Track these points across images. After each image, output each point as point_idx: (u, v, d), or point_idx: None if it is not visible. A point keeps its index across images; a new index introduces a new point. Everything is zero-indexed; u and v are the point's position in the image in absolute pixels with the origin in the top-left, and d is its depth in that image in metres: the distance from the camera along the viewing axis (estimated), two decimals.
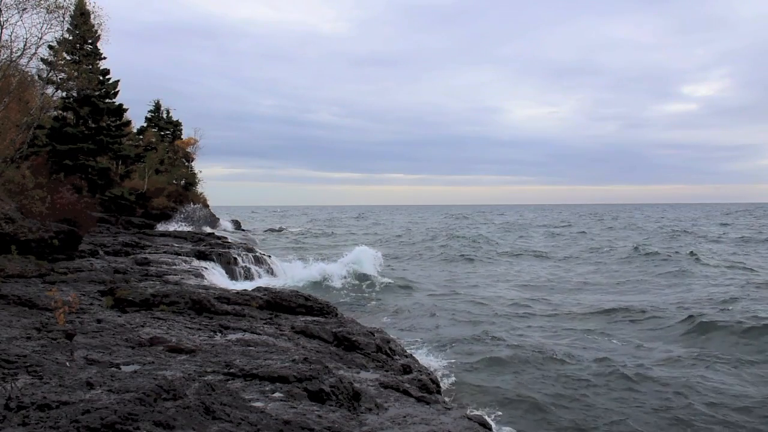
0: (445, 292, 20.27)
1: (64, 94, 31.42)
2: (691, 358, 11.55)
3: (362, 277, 22.15)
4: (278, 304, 10.46)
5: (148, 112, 49.54)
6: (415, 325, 14.68)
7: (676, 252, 31.69)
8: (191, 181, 50.97)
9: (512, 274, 25.77)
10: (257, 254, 25.23)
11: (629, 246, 36.24)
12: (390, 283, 21.47)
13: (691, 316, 14.54)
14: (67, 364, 5.27)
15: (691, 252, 31.03)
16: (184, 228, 36.62)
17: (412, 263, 30.54)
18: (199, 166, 57.75)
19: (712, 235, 48.02)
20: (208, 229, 38.97)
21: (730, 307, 15.79)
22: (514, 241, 46.31)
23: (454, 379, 9.93)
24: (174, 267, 16.31)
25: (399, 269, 27.21)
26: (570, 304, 17.80)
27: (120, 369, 5.50)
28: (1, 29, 16.13)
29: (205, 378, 5.15)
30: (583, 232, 55.20)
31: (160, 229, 34.12)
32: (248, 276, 21.52)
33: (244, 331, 8.26)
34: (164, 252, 19.64)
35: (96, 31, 28.92)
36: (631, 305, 16.76)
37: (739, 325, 13.48)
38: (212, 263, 20.08)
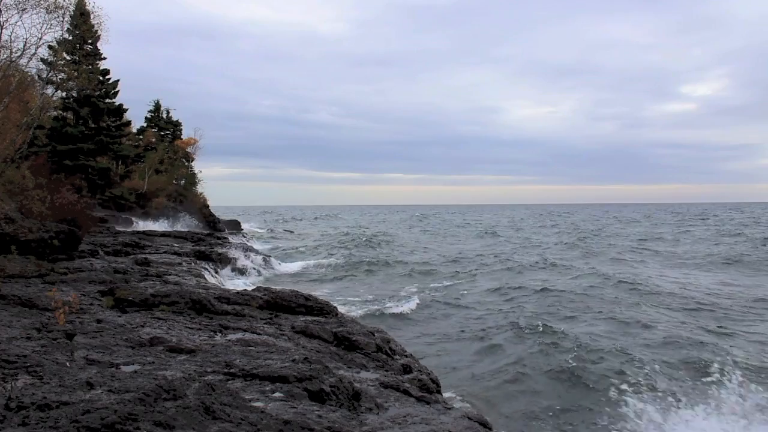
0: None
1: (64, 94, 31.43)
2: None
3: None
4: (278, 303, 10.45)
5: (148, 112, 49.54)
6: None
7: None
8: (191, 181, 50.93)
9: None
10: (258, 254, 25.24)
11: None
12: None
13: None
14: (67, 364, 5.27)
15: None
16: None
17: None
18: (199, 166, 57.73)
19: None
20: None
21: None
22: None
23: None
24: (174, 267, 16.31)
25: None
26: None
27: (120, 369, 5.50)
28: (1, 29, 16.13)
29: (205, 378, 5.14)
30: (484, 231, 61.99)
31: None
32: (248, 275, 21.53)
33: (244, 331, 8.25)
34: (164, 252, 19.64)
35: (96, 31, 28.89)
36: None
37: None
38: (212, 263, 20.10)
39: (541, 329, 13.08)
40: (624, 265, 27.16)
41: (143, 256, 17.58)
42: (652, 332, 12.96)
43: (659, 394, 7.97)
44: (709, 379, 9.02)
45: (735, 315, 15.27)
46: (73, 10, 24.40)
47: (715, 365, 9.70)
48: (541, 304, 16.83)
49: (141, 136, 47.12)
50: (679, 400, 7.79)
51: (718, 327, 13.63)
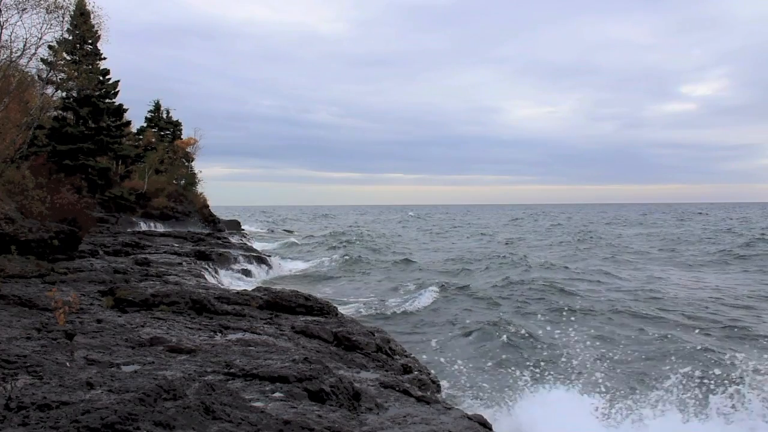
0: None
1: (64, 94, 31.41)
2: None
3: None
4: (278, 304, 10.46)
5: (148, 112, 49.50)
6: None
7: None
8: (191, 181, 50.89)
9: None
10: (258, 254, 25.24)
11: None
12: None
13: None
14: (67, 364, 5.27)
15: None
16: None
17: None
18: (199, 166, 57.74)
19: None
20: None
21: None
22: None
23: None
24: (174, 267, 16.31)
25: None
26: None
27: (120, 369, 5.50)
28: (1, 29, 16.13)
29: (205, 378, 5.15)
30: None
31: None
32: (248, 276, 21.52)
33: (244, 331, 8.26)
34: (164, 252, 19.64)
35: (96, 31, 28.89)
36: None
37: None
38: (212, 263, 20.09)
39: (526, 330, 13.25)
40: (621, 265, 27.23)
41: (143, 256, 17.58)
42: (640, 333, 13.12)
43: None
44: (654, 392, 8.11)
45: (736, 315, 15.27)
46: (73, 10, 24.37)
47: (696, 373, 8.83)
48: (532, 302, 17.09)
49: (141, 136, 47.11)
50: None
51: (722, 328, 13.58)
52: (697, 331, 13.25)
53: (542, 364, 10.44)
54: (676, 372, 8.30)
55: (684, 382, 7.84)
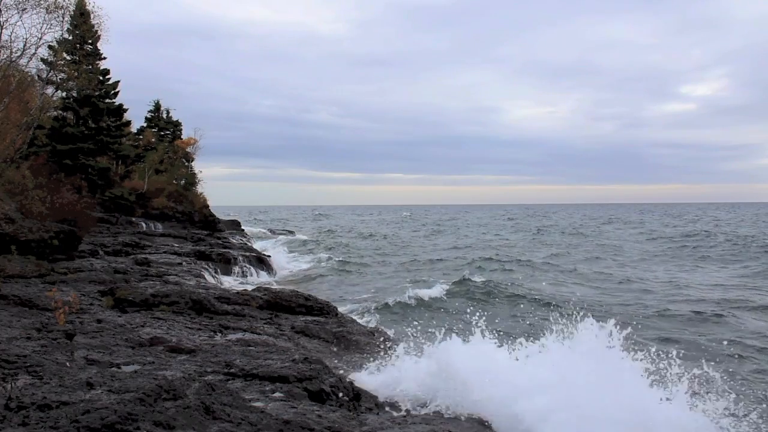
0: None
1: (64, 94, 31.38)
2: None
3: None
4: (278, 304, 10.47)
5: (148, 112, 49.42)
6: None
7: None
8: (191, 181, 50.82)
9: None
10: (258, 254, 25.23)
11: None
12: None
13: None
14: (67, 364, 5.27)
15: None
16: None
17: None
18: (199, 166, 57.65)
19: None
20: None
21: None
22: None
23: None
24: (174, 267, 16.31)
25: None
26: None
27: (120, 369, 5.50)
28: (1, 29, 16.14)
29: (205, 378, 5.15)
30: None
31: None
32: (248, 276, 21.52)
33: (244, 331, 8.26)
34: (164, 252, 19.63)
35: (96, 31, 28.89)
36: None
37: None
38: (212, 263, 20.09)
39: (517, 327, 13.42)
40: (619, 266, 27.30)
41: (143, 256, 17.57)
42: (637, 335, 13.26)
43: None
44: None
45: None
46: (73, 10, 24.35)
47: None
48: (528, 302, 17.40)
49: (141, 136, 47.08)
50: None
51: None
52: (701, 337, 13.25)
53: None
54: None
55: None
